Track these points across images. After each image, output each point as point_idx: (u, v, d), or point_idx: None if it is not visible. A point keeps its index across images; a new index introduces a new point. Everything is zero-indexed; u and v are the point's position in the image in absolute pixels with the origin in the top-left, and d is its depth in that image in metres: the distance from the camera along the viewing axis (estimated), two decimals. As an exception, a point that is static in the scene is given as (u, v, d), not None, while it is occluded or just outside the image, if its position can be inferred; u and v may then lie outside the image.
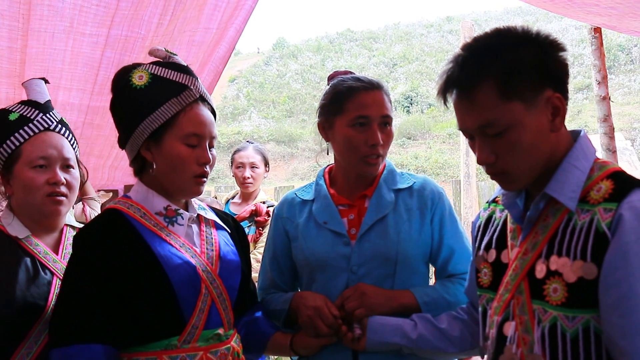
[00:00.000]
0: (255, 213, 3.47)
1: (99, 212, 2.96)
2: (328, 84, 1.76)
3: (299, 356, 1.66)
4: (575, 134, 1.26)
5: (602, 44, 3.92)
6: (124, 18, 2.19)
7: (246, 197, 3.60)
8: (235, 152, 3.63)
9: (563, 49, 1.20)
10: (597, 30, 3.87)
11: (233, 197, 3.70)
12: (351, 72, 1.76)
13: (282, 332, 1.66)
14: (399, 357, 1.58)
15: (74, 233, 1.67)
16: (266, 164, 3.59)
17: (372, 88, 1.65)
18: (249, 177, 3.49)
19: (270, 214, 3.43)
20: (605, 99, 3.87)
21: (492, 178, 1.26)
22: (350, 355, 1.60)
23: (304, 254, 1.69)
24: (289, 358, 1.72)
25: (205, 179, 1.48)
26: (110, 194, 2.92)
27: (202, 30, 2.31)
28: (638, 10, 2.75)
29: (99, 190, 2.97)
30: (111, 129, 2.52)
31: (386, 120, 1.65)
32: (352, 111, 1.63)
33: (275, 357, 3.80)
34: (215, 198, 3.95)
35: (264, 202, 3.54)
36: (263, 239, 3.41)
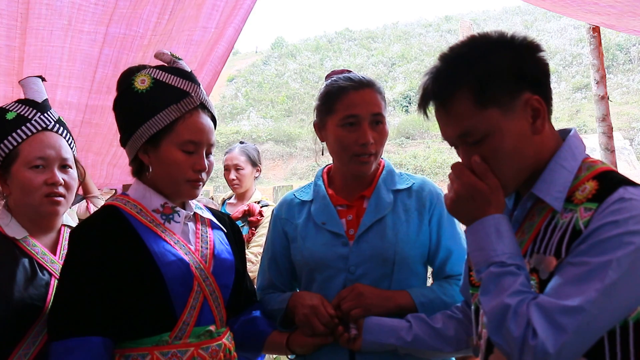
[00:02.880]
0: (248, 213, 3.50)
1: None
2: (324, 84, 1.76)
3: (296, 355, 1.67)
4: (565, 133, 1.25)
5: (600, 43, 3.92)
6: (122, 16, 2.19)
7: (241, 197, 3.64)
8: (224, 154, 3.67)
9: (540, 50, 1.20)
10: (596, 30, 3.87)
11: (230, 198, 3.75)
12: (349, 71, 1.75)
13: (279, 331, 1.67)
14: (395, 358, 1.58)
15: None
16: (254, 163, 3.62)
17: (362, 87, 1.64)
18: (234, 179, 3.56)
19: (264, 214, 3.50)
20: (604, 98, 3.87)
21: None
22: (347, 355, 1.60)
23: (302, 255, 1.69)
24: (286, 357, 1.72)
25: (200, 183, 1.50)
26: (114, 192, 2.92)
27: (200, 29, 2.30)
28: (637, 9, 2.75)
29: (100, 188, 2.96)
30: (109, 128, 2.53)
31: (378, 119, 1.64)
32: (342, 111, 1.63)
33: (275, 357, 3.81)
34: (212, 199, 3.97)
35: (258, 202, 3.57)
36: (256, 238, 3.44)
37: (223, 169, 3.63)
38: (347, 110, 1.62)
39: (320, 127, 1.72)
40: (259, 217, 3.48)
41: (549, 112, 1.21)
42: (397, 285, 1.63)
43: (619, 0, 2.63)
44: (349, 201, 1.70)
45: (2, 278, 1.44)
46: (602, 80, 3.90)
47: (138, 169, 1.53)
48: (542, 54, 1.20)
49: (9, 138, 1.53)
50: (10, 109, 1.58)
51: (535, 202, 1.22)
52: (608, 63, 25.36)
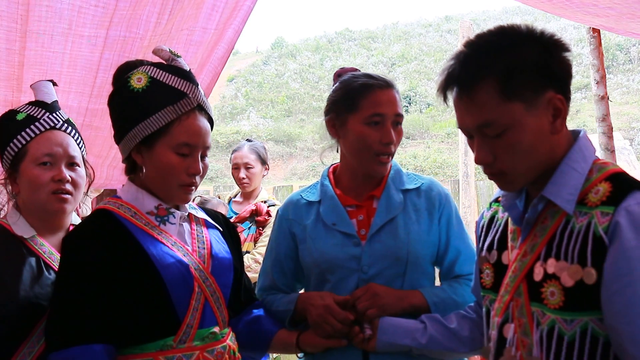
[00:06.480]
0: (255, 213, 3.49)
1: (90, 207, 2.95)
2: (335, 81, 1.74)
3: (305, 353, 1.66)
4: (576, 134, 1.24)
5: (600, 43, 3.91)
6: (122, 18, 2.18)
7: (247, 195, 3.62)
8: (232, 152, 3.66)
9: (567, 49, 1.19)
10: (596, 30, 3.86)
11: (235, 196, 3.74)
12: (357, 70, 1.75)
13: (287, 330, 1.66)
14: (409, 358, 1.58)
15: None
16: (263, 162, 3.61)
17: (387, 86, 1.65)
18: (244, 178, 3.54)
19: (271, 213, 3.49)
20: (604, 98, 3.87)
21: (490, 178, 1.25)
22: (361, 355, 1.59)
23: (313, 256, 1.68)
24: (296, 356, 1.71)
25: (193, 188, 1.48)
26: (102, 190, 2.91)
27: (200, 29, 2.30)
28: (636, 11, 2.74)
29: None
30: (109, 131, 2.51)
31: (398, 120, 1.66)
32: (368, 109, 1.62)
33: (275, 356, 3.80)
34: (219, 198, 3.96)
35: (265, 202, 3.56)
36: (263, 238, 3.42)
37: (231, 167, 3.61)
38: (374, 109, 1.62)
39: (337, 124, 1.69)
40: (266, 217, 3.47)
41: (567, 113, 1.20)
42: (409, 285, 1.63)
43: (618, 2, 2.62)
44: (359, 201, 1.70)
45: (8, 276, 1.46)
46: (602, 81, 3.89)
47: (131, 167, 1.51)
48: (567, 54, 1.19)
49: (18, 137, 1.56)
50: (21, 110, 1.62)
51: (547, 204, 1.21)
52: (608, 63, 25.32)
